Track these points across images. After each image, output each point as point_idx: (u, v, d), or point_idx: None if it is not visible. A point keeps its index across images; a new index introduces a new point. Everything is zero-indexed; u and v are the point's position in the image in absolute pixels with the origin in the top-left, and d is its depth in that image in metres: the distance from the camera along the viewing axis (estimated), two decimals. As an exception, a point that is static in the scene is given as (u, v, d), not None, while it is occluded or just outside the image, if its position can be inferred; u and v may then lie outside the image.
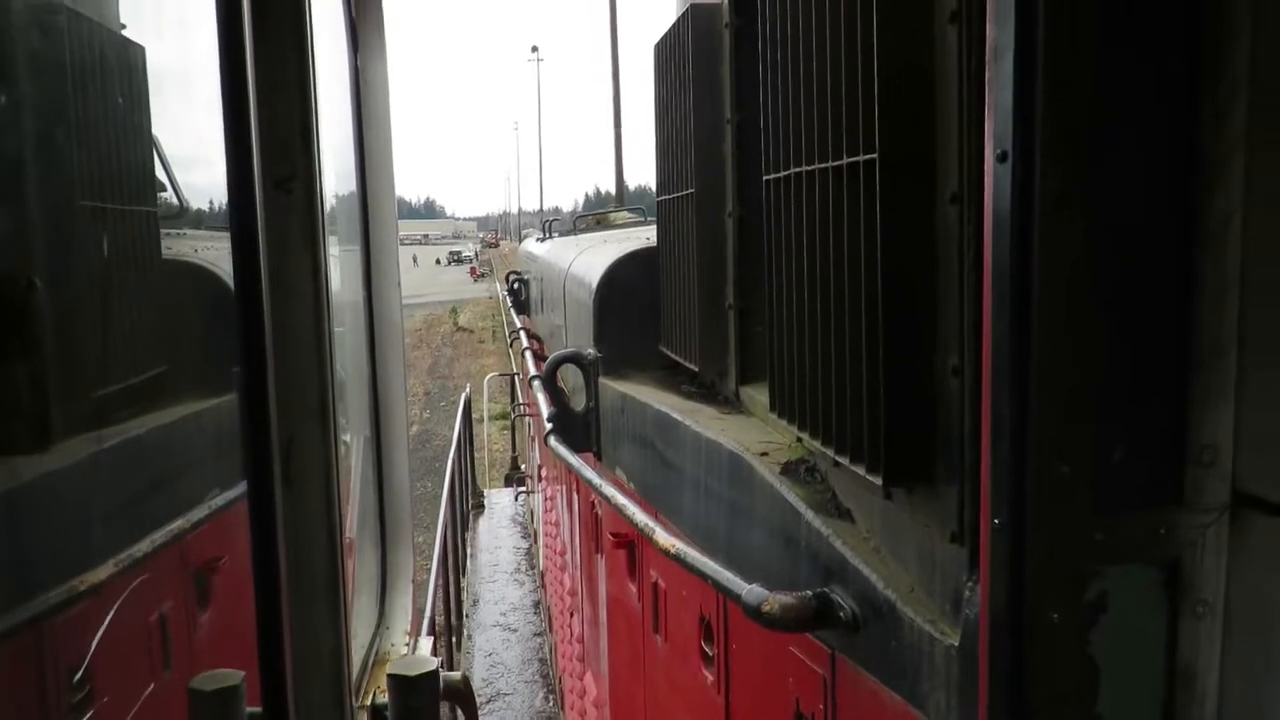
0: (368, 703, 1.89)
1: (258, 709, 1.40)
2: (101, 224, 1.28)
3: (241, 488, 1.51)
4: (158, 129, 1.44)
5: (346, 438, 2.18)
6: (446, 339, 44.93)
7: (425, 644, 2.84)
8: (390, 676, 1.72)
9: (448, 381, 31.41)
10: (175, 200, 1.55)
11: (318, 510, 1.41)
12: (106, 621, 1.20)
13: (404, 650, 2.58)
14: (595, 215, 10.83)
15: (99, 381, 1.26)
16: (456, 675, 1.95)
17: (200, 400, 1.62)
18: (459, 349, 41.06)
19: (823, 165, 2.18)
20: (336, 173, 2.32)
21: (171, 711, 1.38)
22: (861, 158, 1.99)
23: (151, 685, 1.36)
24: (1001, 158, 1.46)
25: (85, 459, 1.22)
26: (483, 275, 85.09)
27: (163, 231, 1.48)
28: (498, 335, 38.16)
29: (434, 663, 1.72)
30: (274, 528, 1.33)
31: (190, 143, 1.65)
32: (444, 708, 2.09)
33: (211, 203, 1.70)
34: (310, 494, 1.40)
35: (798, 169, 2.33)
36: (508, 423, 18.82)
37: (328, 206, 1.64)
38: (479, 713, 2.35)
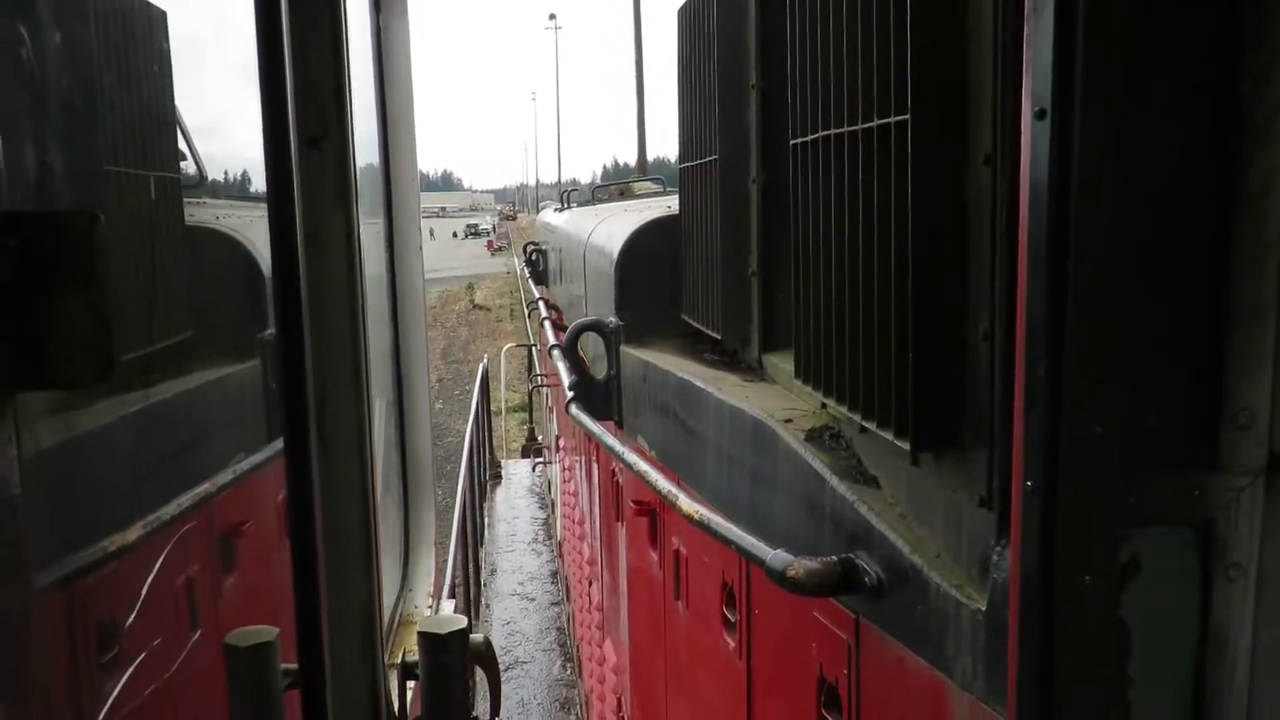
0: (396, 661, 1.90)
1: (291, 665, 1.42)
2: (124, 191, 1.27)
3: (272, 449, 1.52)
4: (182, 95, 1.43)
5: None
6: (462, 318, 44.27)
7: (447, 606, 2.87)
8: (421, 635, 1.73)
9: (463, 367, 30.53)
10: (196, 170, 1.55)
11: (351, 467, 1.42)
12: (151, 577, 1.21)
13: (427, 612, 2.60)
14: (616, 185, 10.78)
15: (141, 342, 1.27)
16: (479, 637, 1.96)
17: (234, 364, 1.63)
18: (475, 329, 40.25)
19: (852, 128, 2.16)
20: (358, 139, 2.30)
21: (210, 666, 1.40)
22: (893, 119, 1.96)
23: (195, 637, 1.38)
24: (1040, 115, 1.44)
25: (117, 422, 1.23)
26: (500, 249, 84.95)
27: (186, 200, 1.48)
28: (515, 314, 37.67)
29: (463, 621, 1.74)
30: (310, 484, 1.34)
31: (215, 108, 1.64)
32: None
33: (227, 172, 1.70)
34: (344, 451, 1.41)
35: (826, 132, 2.30)
36: (525, 416, 18.76)
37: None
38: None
